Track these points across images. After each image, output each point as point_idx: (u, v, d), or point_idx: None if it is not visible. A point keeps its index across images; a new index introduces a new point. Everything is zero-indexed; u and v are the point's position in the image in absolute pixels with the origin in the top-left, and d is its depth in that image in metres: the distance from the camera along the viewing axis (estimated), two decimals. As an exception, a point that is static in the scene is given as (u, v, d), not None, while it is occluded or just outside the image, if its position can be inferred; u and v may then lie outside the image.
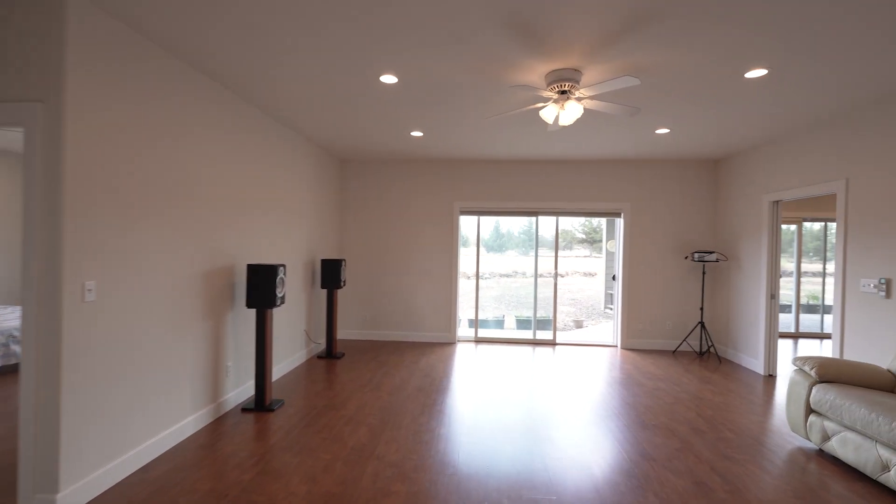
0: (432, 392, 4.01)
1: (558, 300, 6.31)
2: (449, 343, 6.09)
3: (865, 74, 2.96)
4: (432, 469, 2.64)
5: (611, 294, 11.33)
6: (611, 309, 11.20)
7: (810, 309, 7.60)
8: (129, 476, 2.51)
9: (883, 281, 3.44)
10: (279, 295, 3.52)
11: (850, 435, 2.68)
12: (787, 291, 7.30)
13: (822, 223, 7.36)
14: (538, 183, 6.05)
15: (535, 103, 3.42)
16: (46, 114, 2.12)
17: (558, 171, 6.02)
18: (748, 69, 2.91)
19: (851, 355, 3.73)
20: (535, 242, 6.30)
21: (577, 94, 2.95)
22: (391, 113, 3.98)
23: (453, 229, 6.14)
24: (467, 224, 6.66)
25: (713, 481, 2.56)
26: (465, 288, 7.16)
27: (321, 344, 5.59)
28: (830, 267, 7.34)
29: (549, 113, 3.08)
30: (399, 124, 4.34)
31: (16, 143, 5.30)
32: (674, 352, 5.82)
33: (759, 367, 4.91)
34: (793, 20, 2.31)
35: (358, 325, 6.26)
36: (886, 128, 3.44)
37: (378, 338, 6.23)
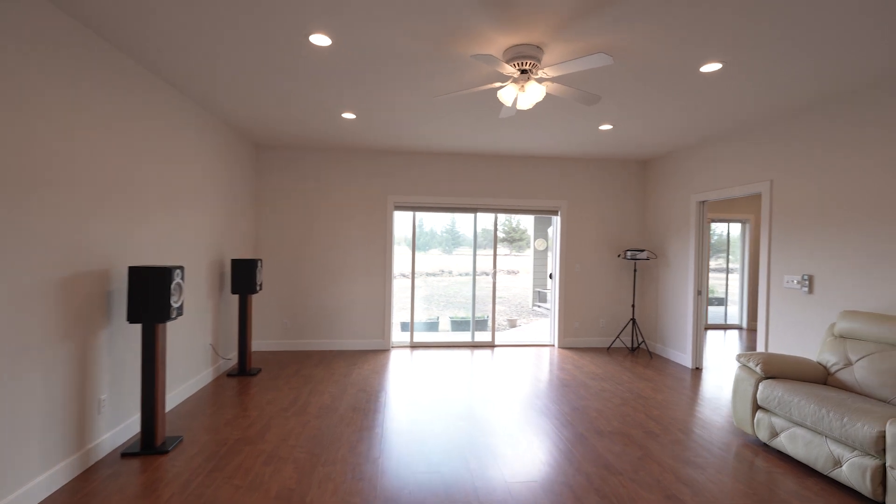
0: (370, 411, 3.50)
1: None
2: (382, 350, 5.57)
3: (801, 79, 3.04)
4: (380, 515, 2.16)
5: (539, 292, 11.55)
6: (538, 307, 11.42)
7: (720, 302, 8.30)
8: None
9: (806, 277, 3.64)
10: (175, 305, 2.78)
11: (799, 431, 2.70)
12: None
13: (726, 223, 8.05)
14: (478, 178, 5.77)
15: (492, 82, 3.06)
16: None
17: (499, 167, 5.80)
18: (705, 62, 2.83)
19: (776, 348, 3.92)
20: (475, 240, 6.02)
21: (540, 73, 2.65)
22: (320, 87, 3.39)
23: (387, 225, 5.63)
24: (397, 220, 6.18)
25: (682, 493, 2.41)
26: (395, 288, 6.67)
27: (232, 359, 4.76)
28: (733, 264, 8.06)
29: (507, 94, 2.75)
30: (329, 102, 3.75)
31: None
32: (608, 349, 5.90)
33: (687, 360, 5.09)
34: (743, 14, 2.21)
35: (277, 335, 5.48)
36: (809, 134, 3.63)
37: (301, 348, 5.51)
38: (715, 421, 3.44)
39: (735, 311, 7.96)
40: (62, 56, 2.33)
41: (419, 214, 5.85)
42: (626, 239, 6.04)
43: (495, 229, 5.97)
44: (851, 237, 3.29)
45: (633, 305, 5.77)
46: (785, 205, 3.86)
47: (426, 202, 5.68)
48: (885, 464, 2.26)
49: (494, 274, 5.97)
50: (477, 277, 6.03)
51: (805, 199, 3.67)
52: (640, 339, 5.86)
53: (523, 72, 2.65)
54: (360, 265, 5.59)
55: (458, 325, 8.10)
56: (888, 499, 2.22)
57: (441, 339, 6.13)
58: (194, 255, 3.86)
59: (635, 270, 5.75)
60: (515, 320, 9.20)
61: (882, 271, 3.08)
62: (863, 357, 2.87)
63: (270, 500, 2.25)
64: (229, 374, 4.37)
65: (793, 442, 2.73)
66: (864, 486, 2.30)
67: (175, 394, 3.58)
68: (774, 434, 2.87)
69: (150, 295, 2.67)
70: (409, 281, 5.95)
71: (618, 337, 5.83)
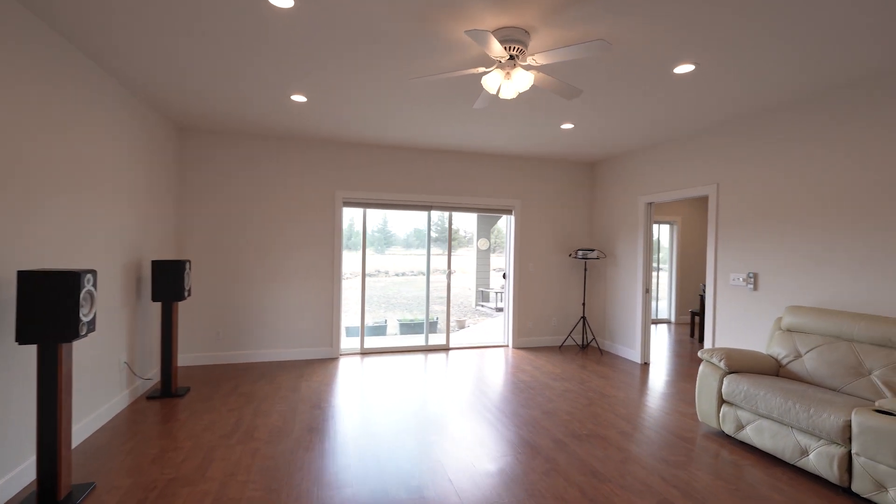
0: (330, 432, 3.11)
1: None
2: (331, 359, 5.12)
3: (771, 81, 3.20)
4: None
5: (482, 291, 11.57)
6: (482, 306, 11.44)
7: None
8: None
9: (751, 275, 3.87)
10: (85, 319, 2.20)
11: (766, 423, 2.80)
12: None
13: (657, 225, 8.60)
14: (433, 175, 5.52)
15: (474, 67, 2.83)
16: None
17: (455, 164, 5.59)
18: (680, 62, 2.85)
19: (724, 343, 4.14)
20: (428, 239, 5.77)
21: (529, 60, 2.48)
22: (271, 59, 2.93)
23: (335, 223, 5.18)
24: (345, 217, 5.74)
25: (672, 496, 2.36)
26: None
27: (152, 378, 4.05)
28: (662, 263, 8.64)
29: (492, 80, 2.54)
30: (277, 79, 3.28)
31: None
32: (560, 347, 5.96)
33: (636, 356, 5.27)
34: (716, 19, 2.23)
35: (207, 346, 4.79)
36: (753, 139, 3.87)
37: (237, 360, 4.87)
38: (679, 415, 3.52)
39: (664, 307, 8.53)
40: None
41: (349, 211, 5.42)
42: (576, 239, 6.15)
43: (450, 228, 5.76)
44: (794, 236, 3.54)
45: (583, 304, 5.89)
46: (731, 206, 4.09)
47: (378, 199, 5.31)
48: (850, 451, 2.38)
49: (449, 274, 5.77)
50: (414, 279, 5.77)
51: (750, 201, 3.91)
52: (591, 337, 6.00)
53: (511, 57, 2.46)
54: (306, 266, 5.08)
55: (408, 327, 7.78)
56: (854, 485, 2.34)
57: (393, 343, 5.79)
58: (105, 255, 3.17)
59: (586, 269, 5.86)
60: (464, 321, 9.08)
61: (822, 268, 3.33)
62: (812, 349, 3.07)
63: (225, 558, 1.82)
64: (149, 397, 3.69)
65: (759, 434, 2.83)
66: (832, 473, 2.42)
67: (82, 426, 2.90)
68: (740, 427, 2.96)
69: (51, 307, 2.08)
70: (359, 281, 5.55)
71: (569, 335, 5.91)
